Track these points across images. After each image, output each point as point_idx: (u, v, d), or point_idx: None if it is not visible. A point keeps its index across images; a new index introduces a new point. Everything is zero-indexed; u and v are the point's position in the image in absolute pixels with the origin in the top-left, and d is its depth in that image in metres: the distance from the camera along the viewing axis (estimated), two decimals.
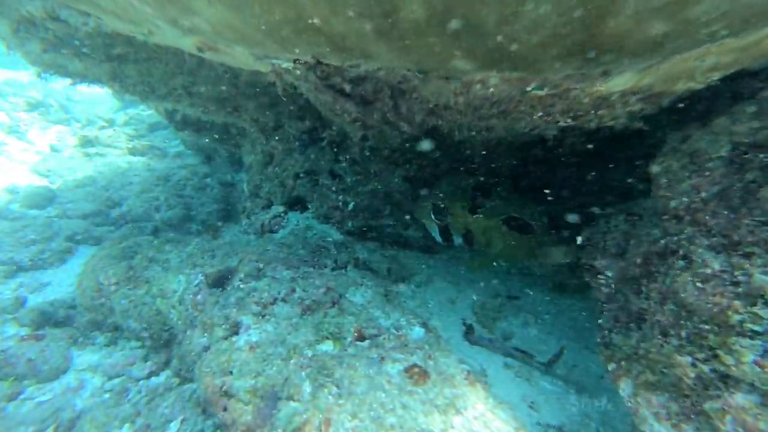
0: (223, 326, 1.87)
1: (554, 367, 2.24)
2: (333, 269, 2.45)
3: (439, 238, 2.86)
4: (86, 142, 5.51)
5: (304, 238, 2.88)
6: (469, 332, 2.37)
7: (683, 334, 1.36)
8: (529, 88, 1.34)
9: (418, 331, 2.08)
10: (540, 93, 1.34)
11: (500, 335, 2.51)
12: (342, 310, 2.02)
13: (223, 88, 2.67)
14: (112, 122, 6.77)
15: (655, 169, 1.65)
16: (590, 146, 2.55)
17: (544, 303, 2.80)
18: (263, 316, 1.96)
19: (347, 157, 3.21)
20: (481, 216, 2.72)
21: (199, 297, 2.20)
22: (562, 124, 1.74)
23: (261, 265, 2.27)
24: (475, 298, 2.79)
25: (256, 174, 3.68)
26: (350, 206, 3.14)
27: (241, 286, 2.09)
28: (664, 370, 1.41)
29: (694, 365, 1.31)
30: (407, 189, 3.19)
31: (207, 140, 4.53)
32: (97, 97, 8.15)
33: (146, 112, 7.07)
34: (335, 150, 3.24)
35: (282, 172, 3.28)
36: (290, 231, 2.98)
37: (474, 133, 2.43)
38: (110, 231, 4.10)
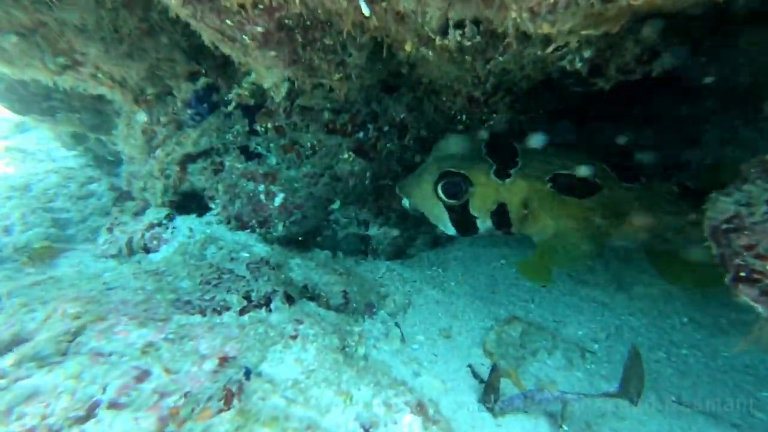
0: None
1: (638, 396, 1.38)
2: (242, 311, 1.35)
3: (450, 230, 1.76)
4: None
5: (200, 258, 1.73)
6: (489, 394, 1.37)
7: None
8: None
9: (408, 427, 1.05)
10: None
11: (534, 386, 1.55)
12: (246, 415, 0.93)
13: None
14: None
15: None
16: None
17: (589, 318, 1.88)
18: None
19: (268, 125, 2.10)
20: (516, 178, 1.64)
21: None
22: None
23: (79, 324, 1.11)
24: (483, 324, 1.81)
25: (138, 166, 2.45)
26: (278, 200, 2.03)
27: (4, 387, 0.92)
28: None
29: None
30: (363, 168, 2.15)
31: (71, 129, 3.17)
32: None
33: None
34: (249, 117, 2.12)
35: (166, 156, 2.09)
36: (178, 248, 1.81)
37: (453, 67, 1.42)
38: None
